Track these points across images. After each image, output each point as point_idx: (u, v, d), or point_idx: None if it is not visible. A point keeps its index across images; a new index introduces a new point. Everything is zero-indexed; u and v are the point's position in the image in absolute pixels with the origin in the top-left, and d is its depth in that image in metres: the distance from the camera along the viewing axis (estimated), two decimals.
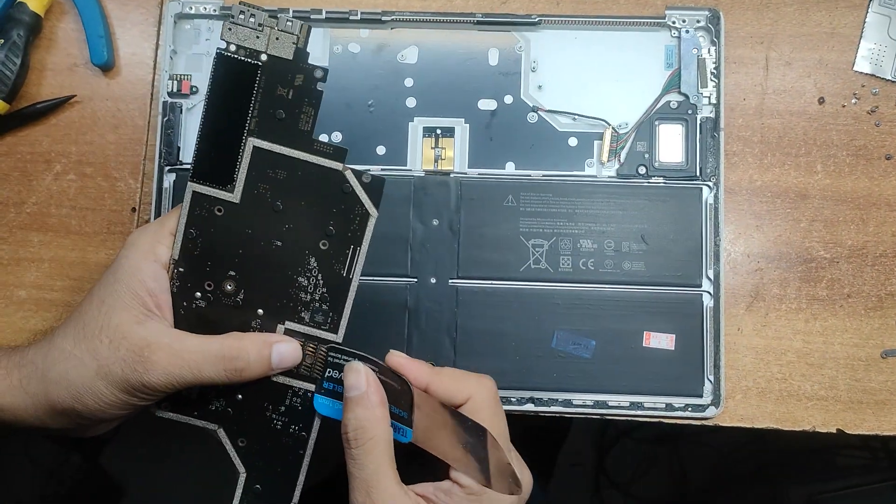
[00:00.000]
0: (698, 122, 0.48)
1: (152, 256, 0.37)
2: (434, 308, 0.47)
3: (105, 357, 0.35)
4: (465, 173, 0.48)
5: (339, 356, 0.37)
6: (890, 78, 0.49)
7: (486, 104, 0.49)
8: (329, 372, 0.37)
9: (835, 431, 0.46)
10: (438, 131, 0.49)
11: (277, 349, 0.36)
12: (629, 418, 0.46)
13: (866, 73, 0.49)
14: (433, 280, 0.47)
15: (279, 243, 0.37)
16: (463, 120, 0.48)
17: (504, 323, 0.47)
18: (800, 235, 0.48)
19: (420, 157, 0.48)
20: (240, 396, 0.38)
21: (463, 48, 0.49)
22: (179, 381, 0.35)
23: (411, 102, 0.49)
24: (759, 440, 1.00)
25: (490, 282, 0.47)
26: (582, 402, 0.46)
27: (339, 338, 0.37)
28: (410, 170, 0.48)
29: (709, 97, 0.48)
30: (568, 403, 0.46)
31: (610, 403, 0.46)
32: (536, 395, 0.46)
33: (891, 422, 0.46)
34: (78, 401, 0.36)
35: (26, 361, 0.37)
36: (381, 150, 0.48)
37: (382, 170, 0.48)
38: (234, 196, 0.37)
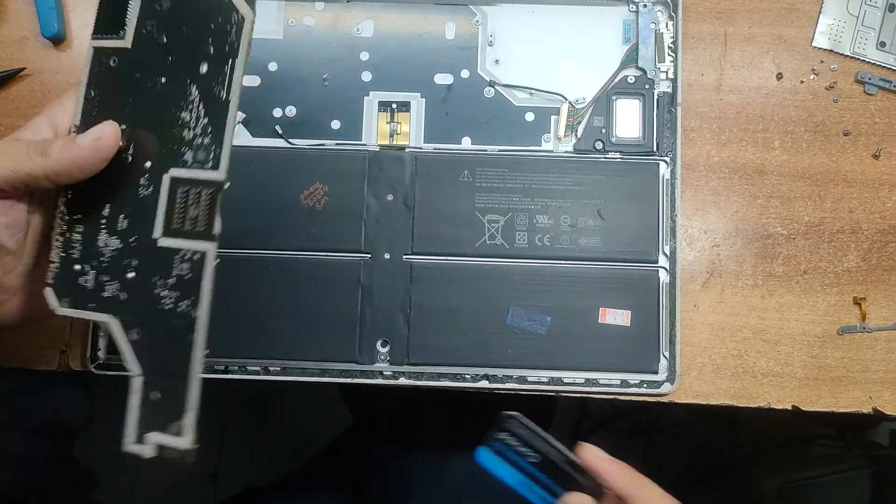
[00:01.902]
0: (655, 97, 0.47)
1: (47, 113, 0.36)
2: (388, 284, 0.46)
3: None
4: (421, 148, 0.48)
5: (520, 429, 0.37)
6: (848, 54, 0.48)
7: (443, 79, 0.48)
8: (507, 438, 0.37)
9: (790, 408, 0.46)
10: (394, 106, 0.48)
11: (86, 134, 0.34)
12: (583, 395, 0.46)
13: (825, 49, 0.49)
14: (387, 256, 0.47)
15: (163, 80, 0.35)
16: (419, 94, 0.48)
17: (459, 299, 0.46)
18: (756, 212, 0.47)
19: (375, 132, 0.48)
20: (132, 274, 0.35)
21: (419, 22, 0.48)
22: (7, 176, 0.34)
23: (367, 76, 0.48)
24: (734, 433, 1.00)
25: (445, 258, 0.47)
26: (537, 379, 0.46)
27: (221, 175, 0.34)
28: (366, 144, 0.48)
29: (666, 72, 0.47)
30: (523, 380, 0.46)
31: (565, 380, 0.46)
32: (491, 371, 0.46)
33: (846, 399, 0.46)
34: None
35: None
36: (335, 124, 0.48)
37: (337, 144, 0.47)
38: (126, 41, 0.36)
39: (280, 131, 0.47)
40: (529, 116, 0.48)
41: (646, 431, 1.06)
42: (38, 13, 0.49)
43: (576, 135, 0.48)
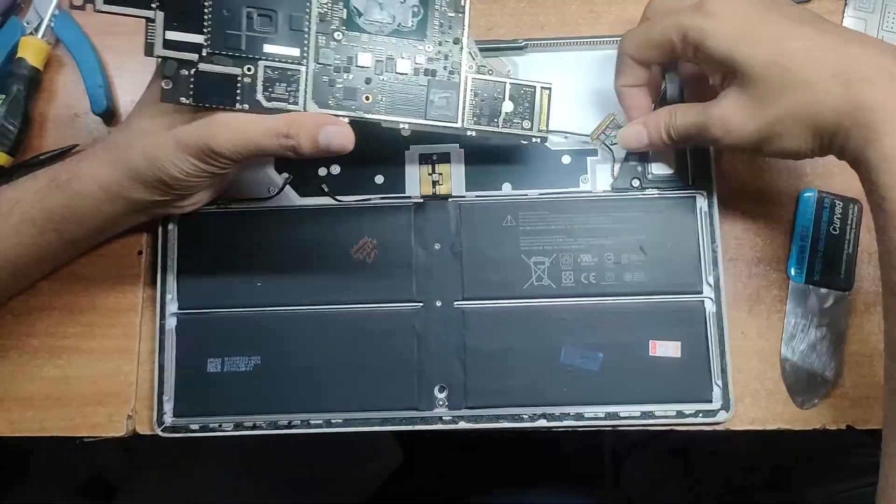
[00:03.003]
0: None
1: None
2: (442, 331, 0.48)
3: (179, 132, 0.40)
4: (464, 196, 0.49)
5: None
6: None
7: None
8: None
9: (844, 429, 0.46)
10: (434, 157, 0.50)
11: (325, 131, 0.40)
12: (641, 428, 0.47)
13: None
14: (439, 303, 0.48)
15: None
16: (457, 145, 0.50)
17: (512, 341, 0.47)
18: None
19: (418, 184, 0.49)
20: None
21: None
22: (244, 152, 0.40)
23: (406, 131, 0.50)
24: (772, 446, 1.00)
25: (495, 302, 0.48)
26: (594, 415, 0.47)
27: None
28: (409, 196, 0.49)
29: None
30: (580, 417, 0.47)
31: (621, 414, 0.47)
32: (548, 410, 0.47)
33: None
34: (163, 172, 0.41)
35: (110, 144, 0.42)
36: (378, 178, 0.49)
37: (382, 198, 0.49)
38: None
39: (326, 189, 0.49)
40: (566, 159, 0.49)
41: (683, 451, 1.06)
42: (87, 91, 0.51)
43: (613, 174, 0.49)
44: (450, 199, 0.49)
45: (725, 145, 0.42)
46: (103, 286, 0.49)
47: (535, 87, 0.44)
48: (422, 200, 0.49)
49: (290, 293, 0.48)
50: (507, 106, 0.44)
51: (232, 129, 0.40)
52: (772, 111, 0.39)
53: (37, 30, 0.51)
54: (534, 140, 0.45)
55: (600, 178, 0.49)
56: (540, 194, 0.49)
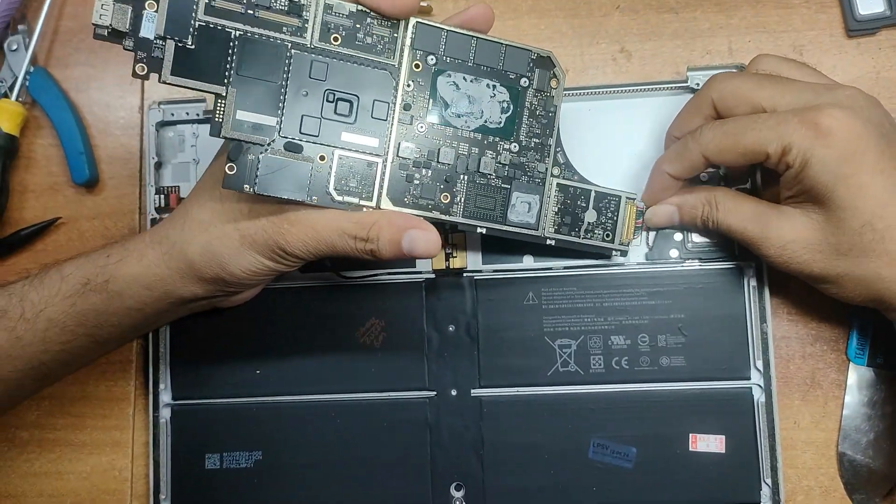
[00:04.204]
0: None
1: None
2: (457, 423, 0.43)
3: (246, 227, 0.36)
4: (480, 271, 0.44)
5: None
6: None
7: None
8: None
9: None
10: (447, 226, 0.44)
11: (409, 235, 0.36)
12: None
13: None
14: (454, 392, 0.44)
15: None
16: None
17: (535, 434, 0.43)
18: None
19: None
20: None
21: None
22: (316, 252, 0.36)
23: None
24: None
25: (516, 389, 0.43)
26: None
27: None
28: (420, 271, 0.44)
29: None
30: None
31: None
32: None
33: None
34: (224, 270, 0.37)
35: (160, 238, 0.38)
36: None
37: (390, 273, 0.44)
38: None
39: (329, 264, 0.45)
40: None
41: None
42: (68, 159, 0.47)
43: (648, 244, 0.44)
44: (465, 275, 0.44)
45: (774, 265, 0.37)
46: (93, 374, 0.46)
47: (620, 196, 0.40)
48: (434, 276, 0.44)
49: (292, 381, 0.44)
50: (591, 216, 0.40)
51: (305, 227, 0.36)
52: (844, 266, 0.35)
53: (11, 89, 0.47)
54: (615, 253, 0.41)
55: (633, 248, 0.43)
56: (565, 268, 0.44)
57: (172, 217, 0.39)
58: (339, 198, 0.36)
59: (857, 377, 0.43)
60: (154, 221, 0.45)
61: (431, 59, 0.37)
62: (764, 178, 0.42)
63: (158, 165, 0.46)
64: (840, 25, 0.45)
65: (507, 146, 0.38)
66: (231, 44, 0.34)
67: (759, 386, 0.42)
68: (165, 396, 0.45)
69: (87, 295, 0.38)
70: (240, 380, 0.44)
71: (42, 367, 0.40)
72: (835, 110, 0.34)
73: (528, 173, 0.39)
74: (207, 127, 0.42)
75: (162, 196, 0.46)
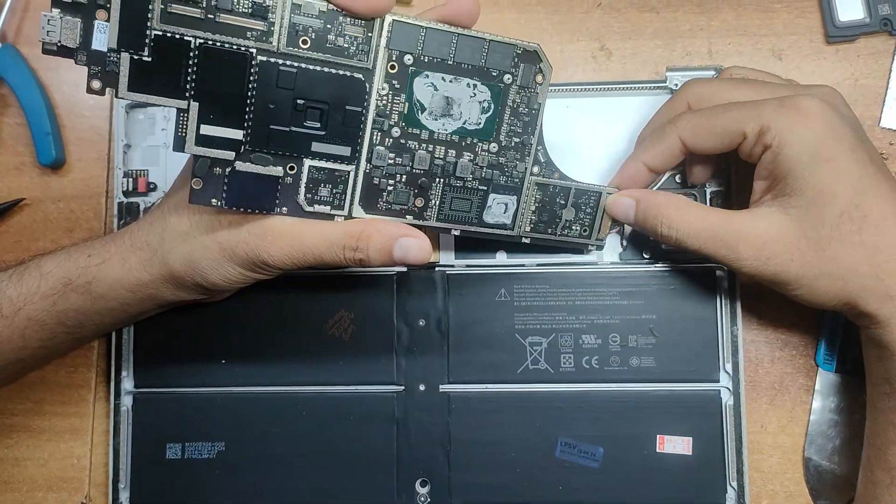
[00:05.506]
0: (708, 196, 0.43)
1: None
2: (425, 418, 0.43)
3: (226, 239, 0.35)
4: (452, 266, 0.44)
5: None
6: None
7: None
8: None
9: None
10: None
11: (401, 244, 0.35)
12: None
13: (894, 130, 0.44)
14: (422, 387, 0.43)
15: None
16: None
17: (502, 431, 0.42)
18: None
19: None
20: None
21: None
22: (300, 263, 0.35)
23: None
24: None
25: (485, 386, 0.43)
26: None
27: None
28: None
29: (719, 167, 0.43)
30: None
31: None
32: None
33: None
34: (205, 280, 0.36)
35: (141, 244, 0.37)
36: None
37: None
38: None
39: None
40: None
41: None
42: (34, 140, 0.45)
43: (622, 244, 0.43)
44: (436, 269, 0.44)
45: (745, 272, 0.36)
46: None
47: (600, 192, 0.39)
48: (405, 270, 0.44)
49: (258, 373, 0.43)
50: (569, 213, 0.39)
51: (289, 240, 0.35)
52: (821, 264, 0.34)
53: None
54: (590, 248, 0.41)
55: (607, 247, 0.43)
56: (538, 265, 0.43)
57: (150, 222, 0.37)
58: (310, 208, 0.35)
59: (824, 383, 0.43)
60: (121, 206, 0.44)
61: (408, 59, 0.35)
62: (738, 183, 0.42)
63: (127, 148, 0.45)
64: (820, 31, 0.45)
65: (485, 147, 0.37)
66: (191, 54, 0.32)
67: (728, 389, 0.42)
68: (127, 384, 0.44)
69: (67, 295, 0.37)
70: (204, 369, 0.44)
71: (20, 362, 0.39)
72: (813, 98, 0.34)
73: (507, 173, 0.38)
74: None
75: (130, 179, 0.45)
